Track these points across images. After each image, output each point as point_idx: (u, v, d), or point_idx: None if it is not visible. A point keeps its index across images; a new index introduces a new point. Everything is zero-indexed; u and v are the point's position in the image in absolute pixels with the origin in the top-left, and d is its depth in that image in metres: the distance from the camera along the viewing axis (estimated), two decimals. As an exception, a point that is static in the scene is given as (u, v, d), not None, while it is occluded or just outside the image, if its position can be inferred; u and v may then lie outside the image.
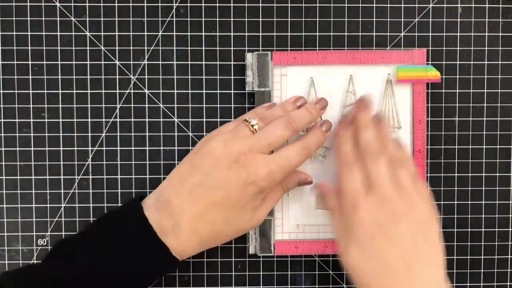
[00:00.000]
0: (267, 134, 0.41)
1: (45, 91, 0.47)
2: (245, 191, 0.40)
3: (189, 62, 0.47)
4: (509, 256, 0.48)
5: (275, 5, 0.47)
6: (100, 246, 0.40)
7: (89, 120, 0.47)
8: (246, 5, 0.47)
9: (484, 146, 0.48)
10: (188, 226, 0.40)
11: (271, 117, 0.43)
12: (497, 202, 0.48)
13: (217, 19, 0.47)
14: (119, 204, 0.47)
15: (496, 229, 0.48)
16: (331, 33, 0.47)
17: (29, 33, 0.46)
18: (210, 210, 0.40)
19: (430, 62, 0.47)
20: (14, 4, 0.46)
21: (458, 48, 0.47)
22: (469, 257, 0.48)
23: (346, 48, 0.47)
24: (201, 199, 0.40)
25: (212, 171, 0.40)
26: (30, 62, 0.47)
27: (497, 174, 0.48)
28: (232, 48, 0.47)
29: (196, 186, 0.40)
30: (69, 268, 0.39)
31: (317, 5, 0.47)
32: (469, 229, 0.48)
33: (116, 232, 0.40)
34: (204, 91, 0.47)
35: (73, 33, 0.47)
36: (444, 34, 0.47)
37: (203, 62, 0.47)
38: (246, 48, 0.47)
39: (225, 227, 0.41)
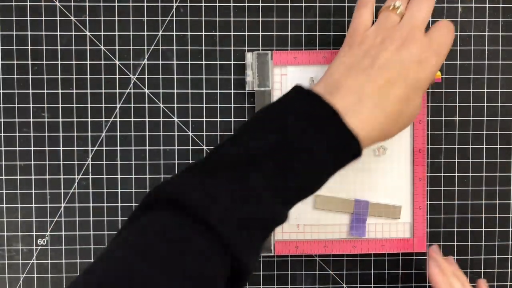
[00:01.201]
0: (419, 8, 0.39)
1: (45, 91, 0.47)
2: (425, 66, 0.38)
3: (189, 62, 0.47)
4: (509, 256, 0.48)
5: (275, 4, 0.47)
6: (269, 128, 0.35)
7: (89, 120, 0.47)
8: (246, 5, 0.47)
9: (484, 146, 0.48)
10: (370, 101, 0.36)
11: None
12: (497, 202, 0.48)
13: (217, 19, 0.47)
14: (119, 205, 0.47)
15: (496, 229, 0.48)
16: (331, 33, 0.47)
17: (29, 33, 0.46)
18: (388, 85, 0.37)
19: (430, 62, 0.47)
20: (14, 4, 0.46)
21: (458, 48, 0.47)
22: (469, 257, 0.48)
23: (346, 48, 0.47)
24: (377, 76, 0.37)
25: (381, 53, 0.37)
26: (30, 62, 0.47)
27: (497, 174, 0.48)
28: (232, 48, 0.47)
29: (367, 68, 0.37)
30: (236, 147, 0.34)
31: (317, 5, 0.47)
32: (469, 229, 0.48)
33: (286, 111, 0.35)
34: (204, 91, 0.47)
35: (73, 33, 0.47)
36: (444, 34, 0.47)
37: (203, 62, 0.47)
38: (246, 48, 0.47)
39: (405, 105, 0.38)
